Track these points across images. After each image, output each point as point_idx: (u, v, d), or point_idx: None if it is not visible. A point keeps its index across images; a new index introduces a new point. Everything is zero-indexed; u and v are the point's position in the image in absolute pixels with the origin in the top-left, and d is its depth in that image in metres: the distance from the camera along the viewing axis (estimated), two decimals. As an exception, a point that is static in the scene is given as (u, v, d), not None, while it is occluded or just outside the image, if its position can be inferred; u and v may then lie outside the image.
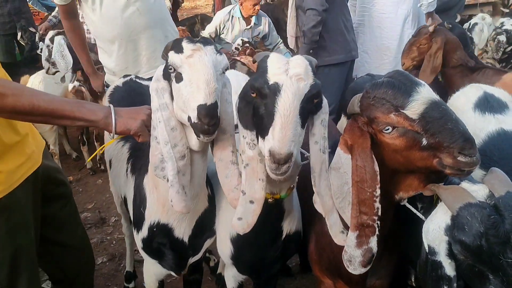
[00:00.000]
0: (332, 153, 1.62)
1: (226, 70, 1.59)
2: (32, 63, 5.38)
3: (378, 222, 1.50)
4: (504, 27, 4.56)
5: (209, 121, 1.43)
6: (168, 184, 1.64)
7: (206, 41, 1.57)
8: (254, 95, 1.47)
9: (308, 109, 1.47)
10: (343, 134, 1.57)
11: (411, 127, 1.38)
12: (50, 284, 2.77)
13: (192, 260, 2.07)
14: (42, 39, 5.48)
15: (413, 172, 1.50)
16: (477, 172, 1.92)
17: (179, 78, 1.52)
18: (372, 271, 1.81)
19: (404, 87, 1.41)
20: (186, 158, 1.63)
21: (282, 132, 1.35)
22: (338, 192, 1.58)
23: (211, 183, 1.99)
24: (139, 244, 2.05)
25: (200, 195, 1.83)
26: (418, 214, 1.59)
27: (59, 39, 4.27)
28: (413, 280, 1.92)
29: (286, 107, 1.37)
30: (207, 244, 2.07)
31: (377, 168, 1.47)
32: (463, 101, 2.22)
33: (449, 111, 1.38)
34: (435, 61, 3.44)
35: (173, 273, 2.11)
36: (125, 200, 2.32)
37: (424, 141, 1.37)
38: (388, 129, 1.42)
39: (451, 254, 1.38)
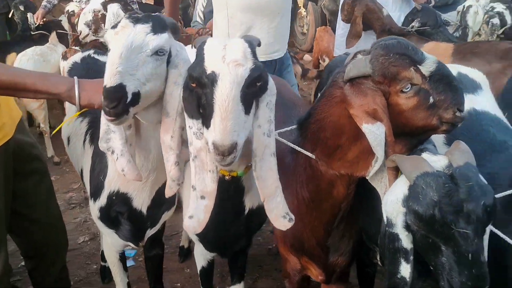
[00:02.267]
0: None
1: (161, 52, 1.49)
2: (23, 42, 5.31)
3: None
4: (495, 10, 4.47)
5: (107, 104, 1.38)
6: (114, 155, 1.60)
7: (143, 19, 1.49)
8: (194, 85, 1.43)
9: (251, 93, 1.42)
10: (352, 105, 1.46)
11: (423, 85, 1.39)
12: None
13: (150, 232, 2.06)
14: (39, 27, 5.42)
15: (403, 135, 1.48)
16: (446, 150, 1.90)
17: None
18: (334, 248, 1.80)
19: (409, 47, 1.42)
20: (132, 127, 1.61)
21: (223, 123, 1.31)
22: None
23: None
24: (95, 214, 2.03)
25: (160, 167, 1.78)
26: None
27: (116, 8, 3.94)
28: (378, 258, 1.88)
29: (224, 97, 1.33)
30: (165, 216, 2.06)
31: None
32: None
33: (450, 70, 1.42)
34: (356, 27, 3.91)
35: (131, 244, 2.09)
36: (81, 173, 2.28)
37: (431, 99, 1.39)
38: (408, 87, 1.40)
39: (407, 226, 1.35)
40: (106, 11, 4.02)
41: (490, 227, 1.32)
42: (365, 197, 1.73)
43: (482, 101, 2.01)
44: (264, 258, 3.29)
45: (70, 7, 5.28)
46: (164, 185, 1.86)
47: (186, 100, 1.49)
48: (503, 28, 4.35)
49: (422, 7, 4.08)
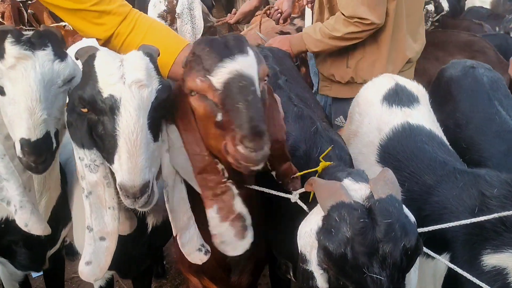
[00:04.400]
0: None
1: (71, 79, 1.30)
2: None
3: (230, 182, 1.30)
4: (431, -4, 4.34)
5: (35, 159, 1.19)
6: (10, 207, 1.38)
7: (38, 42, 1.23)
8: (85, 110, 1.19)
9: (158, 117, 1.22)
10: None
11: (212, 97, 1.18)
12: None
13: (50, 252, 1.84)
14: None
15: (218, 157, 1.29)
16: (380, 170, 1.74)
17: (1, 91, 1.24)
18: (235, 266, 1.65)
19: (221, 49, 1.18)
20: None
21: (131, 160, 1.10)
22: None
23: (63, 168, 1.73)
24: None
25: (52, 185, 1.57)
26: (304, 207, 1.37)
27: None
28: (291, 274, 1.71)
29: (130, 129, 1.11)
30: (63, 233, 1.83)
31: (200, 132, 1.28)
32: (373, 92, 2.03)
33: (249, 89, 1.14)
34: None
35: (32, 272, 1.83)
36: None
37: (219, 117, 1.17)
38: (193, 93, 1.21)
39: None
40: None
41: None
42: (273, 212, 1.57)
43: (417, 115, 1.87)
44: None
45: None
46: (58, 202, 1.65)
47: (72, 126, 1.24)
48: (439, 15, 4.18)
49: None
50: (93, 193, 1.24)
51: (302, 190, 1.38)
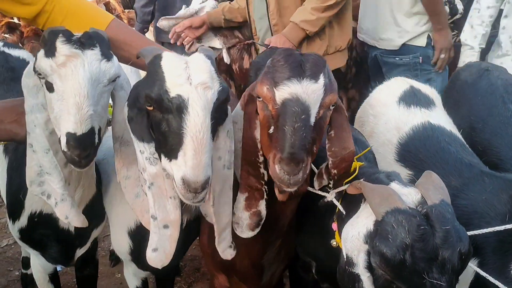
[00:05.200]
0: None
1: (116, 78, 1.33)
2: None
3: (266, 187, 1.38)
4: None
5: (80, 153, 1.21)
6: (51, 200, 1.40)
7: (87, 42, 1.25)
8: (150, 108, 1.22)
9: (216, 119, 1.26)
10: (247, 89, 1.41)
11: (271, 108, 1.24)
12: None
13: (79, 251, 1.85)
14: None
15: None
16: (400, 169, 1.78)
17: (50, 88, 1.26)
18: (268, 267, 1.69)
19: (294, 67, 1.22)
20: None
21: (197, 158, 1.14)
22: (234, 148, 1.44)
23: (99, 167, 1.75)
24: (15, 235, 1.80)
25: (86, 183, 1.59)
26: (340, 207, 1.39)
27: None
28: (313, 271, 1.78)
29: (198, 128, 1.15)
30: (95, 233, 1.85)
31: (257, 135, 1.33)
32: (386, 94, 2.08)
33: (299, 116, 1.18)
34: None
35: (59, 266, 1.84)
36: None
37: (272, 130, 1.23)
38: (260, 98, 1.28)
39: (370, 267, 1.18)
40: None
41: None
42: (298, 211, 1.58)
43: (436, 117, 1.91)
44: (202, 260, 3.07)
45: None
46: (91, 201, 1.67)
47: (133, 121, 1.29)
48: (454, 17, 4.25)
49: None
50: (154, 184, 1.29)
51: (340, 189, 1.40)
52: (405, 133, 1.88)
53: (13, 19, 3.71)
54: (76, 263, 1.96)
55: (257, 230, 1.42)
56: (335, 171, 1.37)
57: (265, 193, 1.39)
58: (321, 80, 1.22)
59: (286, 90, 1.20)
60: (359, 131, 1.91)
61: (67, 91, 1.20)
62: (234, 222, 1.44)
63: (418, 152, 1.79)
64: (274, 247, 1.61)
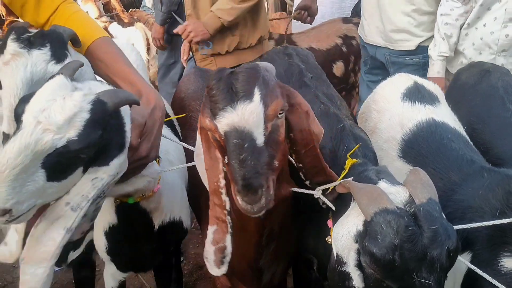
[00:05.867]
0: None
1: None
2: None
3: (229, 218, 1.33)
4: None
5: None
6: None
7: (38, 41, 1.19)
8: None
9: (70, 159, 1.13)
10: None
11: (219, 139, 1.19)
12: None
13: (73, 254, 1.87)
14: None
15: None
16: (403, 165, 1.76)
17: (0, 85, 1.22)
18: (267, 269, 1.67)
19: (225, 93, 1.16)
20: None
21: None
22: (204, 180, 1.41)
23: None
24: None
25: None
26: (328, 203, 1.41)
27: None
28: (315, 268, 1.79)
29: (1, 160, 1.05)
30: (89, 236, 1.86)
31: (218, 154, 1.27)
32: (390, 90, 2.05)
33: (242, 147, 1.13)
34: None
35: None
36: None
37: (226, 159, 1.18)
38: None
39: (360, 265, 1.19)
40: None
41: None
42: (299, 208, 1.60)
43: (441, 113, 1.88)
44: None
45: None
46: None
47: None
48: None
49: None
50: None
51: (326, 186, 1.40)
52: (409, 129, 1.86)
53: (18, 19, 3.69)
54: (73, 265, 1.97)
55: (224, 268, 1.36)
56: (301, 164, 1.35)
57: (229, 226, 1.33)
58: (256, 96, 1.15)
59: (223, 122, 1.15)
60: (361, 128, 1.90)
61: (4, 91, 1.17)
62: (204, 256, 1.39)
63: (420, 148, 1.77)
64: (270, 249, 1.58)
